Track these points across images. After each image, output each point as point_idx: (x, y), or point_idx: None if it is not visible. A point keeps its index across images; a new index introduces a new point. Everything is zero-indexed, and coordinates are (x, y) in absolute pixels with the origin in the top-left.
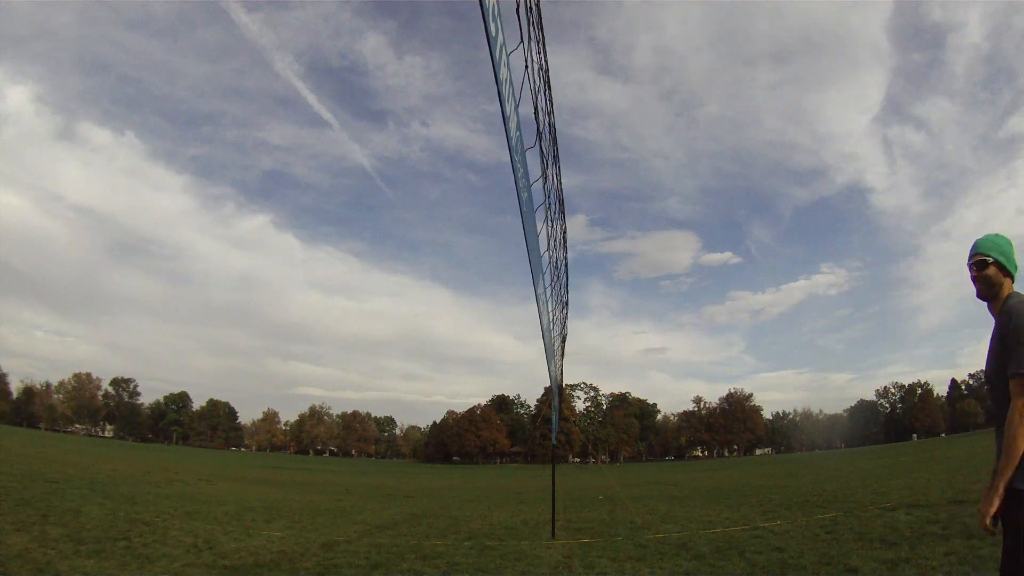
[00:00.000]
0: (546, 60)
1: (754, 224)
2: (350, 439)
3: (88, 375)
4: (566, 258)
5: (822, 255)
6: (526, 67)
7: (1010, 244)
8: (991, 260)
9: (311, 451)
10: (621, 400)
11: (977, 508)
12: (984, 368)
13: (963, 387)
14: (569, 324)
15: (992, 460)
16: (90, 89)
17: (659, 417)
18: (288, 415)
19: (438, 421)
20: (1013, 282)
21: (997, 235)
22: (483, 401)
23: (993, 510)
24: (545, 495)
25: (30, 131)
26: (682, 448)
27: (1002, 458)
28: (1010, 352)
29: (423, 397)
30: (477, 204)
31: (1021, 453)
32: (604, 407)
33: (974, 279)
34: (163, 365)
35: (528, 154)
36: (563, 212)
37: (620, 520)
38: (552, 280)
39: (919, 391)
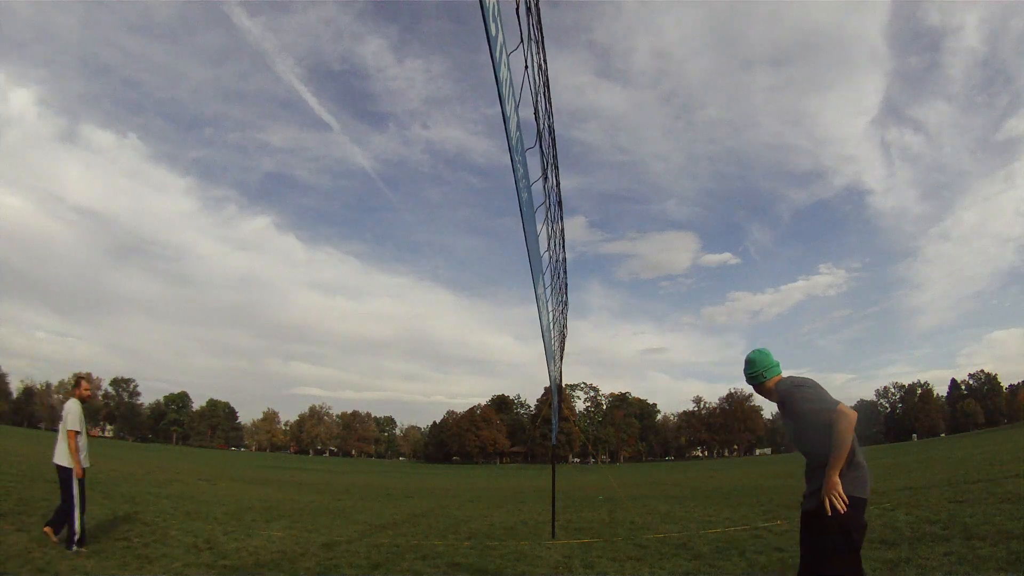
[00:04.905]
0: (545, 60)
1: (753, 225)
2: (350, 439)
3: (88, 375)
4: (565, 258)
5: (821, 256)
6: (526, 67)
7: (764, 355)
8: (765, 377)
9: (311, 451)
10: (621, 400)
11: (975, 508)
12: (789, 432)
13: (963, 387)
14: (569, 325)
15: (986, 463)
16: (92, 92)
17: (659, 417)
18: (288, 415)
19: (438, 421)
20: (779, 373)
21: (758, 353)
22: (483, 401)
23: (840, 489)
24: (545, 495)
25: (33, 133)
26: (682, 448)
27: (832, 453)
28: (808, 413)
29: (423, 397)
30: (477, 206)
31: (847, 451)
32: (604, 407)
33: (755, 389)
34: (163, 365)
35: (528, 154)
36: (561, 213)
37: (620, 520)
38: (552, 280)
39: (919, 391)
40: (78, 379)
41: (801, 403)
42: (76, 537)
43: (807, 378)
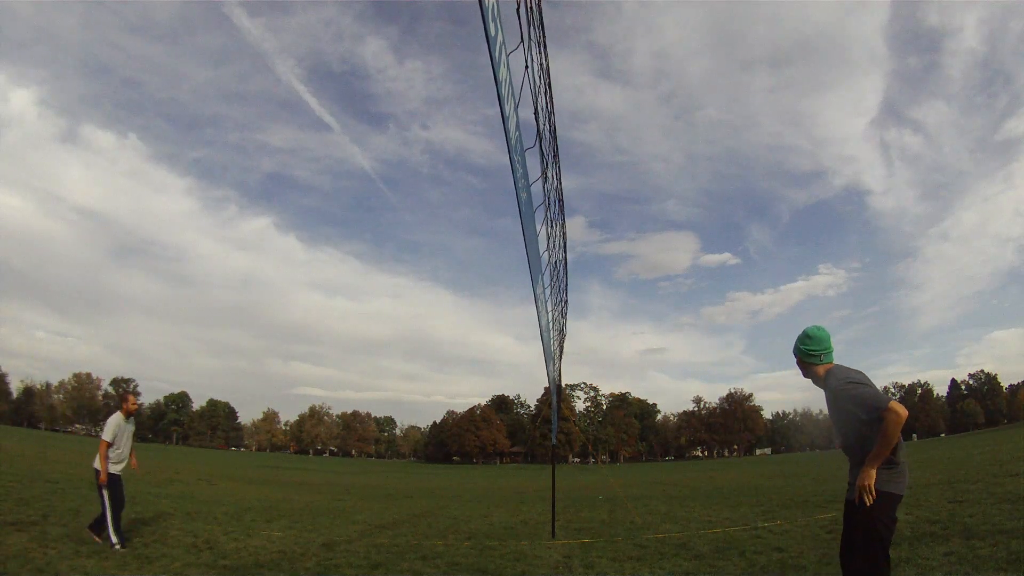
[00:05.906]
0: (546, 58)
1: (753, 225)
2: (350, 439)
3: (88, 375)
4: (566, 258)
5: (821, 256)
6: (526, 67)
7: (826, 336)
8: (821, 360)
9: (311, 451)
10: (621, 400)
11: (973, 507)
12: (833, 424)
13: (963, 387)
14: (569, 325)
15: (989, 463)
16: (93, 92)
17: (659, 417)
18: (288, 415)
19: (438, 421)
20: (832, 360)
21: (821, 330)
22: (483, 401)
23: (871, 482)
24: (545, 495)
25: (33, 134)
26: (682, 448)
27: (875, 447)
28: (858, 410)
29: (423, 397)
30: (477, 206)
31: (890, 448)
32: (604, 407)
33: (801, 367)
34: (163, 365)
35: (528, 154)
36: (563, 212)
37: (620, 520)
38: (552, 280)
39: (919, 391)
40: (125, 394)
41: (853, 400)
42: (114, 539)
43: (861, 372)
